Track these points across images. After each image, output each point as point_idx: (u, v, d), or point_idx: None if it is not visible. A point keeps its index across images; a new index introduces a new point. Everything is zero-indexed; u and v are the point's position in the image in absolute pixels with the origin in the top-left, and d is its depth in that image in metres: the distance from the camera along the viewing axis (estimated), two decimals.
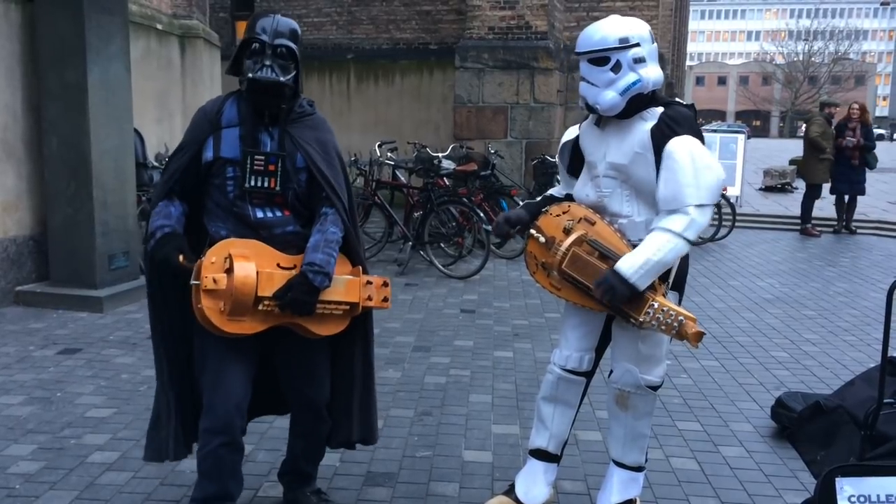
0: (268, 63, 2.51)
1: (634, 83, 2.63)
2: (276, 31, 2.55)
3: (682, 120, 2.67)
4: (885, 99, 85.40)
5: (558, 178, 3.19)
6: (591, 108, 2.75)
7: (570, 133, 2.99)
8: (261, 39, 2.53)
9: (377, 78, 12.68)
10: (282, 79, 2.51)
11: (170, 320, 2.67)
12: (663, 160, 2.59)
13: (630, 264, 2.55)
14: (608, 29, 2.66)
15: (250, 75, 2.51)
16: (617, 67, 2.63)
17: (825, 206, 12.02)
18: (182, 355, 2.69)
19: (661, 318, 2.53)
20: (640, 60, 2.65)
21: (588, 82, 2.69)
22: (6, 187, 5.95)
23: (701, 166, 2.57)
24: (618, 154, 2.72)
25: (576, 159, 2.95)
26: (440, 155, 8.39)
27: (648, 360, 2.79)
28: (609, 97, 2.64)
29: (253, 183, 2.54)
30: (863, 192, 10.98)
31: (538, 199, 3.08)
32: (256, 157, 2.54)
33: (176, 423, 2.68)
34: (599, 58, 2.66)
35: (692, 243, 2.62)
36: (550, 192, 3.12)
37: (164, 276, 2.59)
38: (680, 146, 2.58)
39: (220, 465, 2.53)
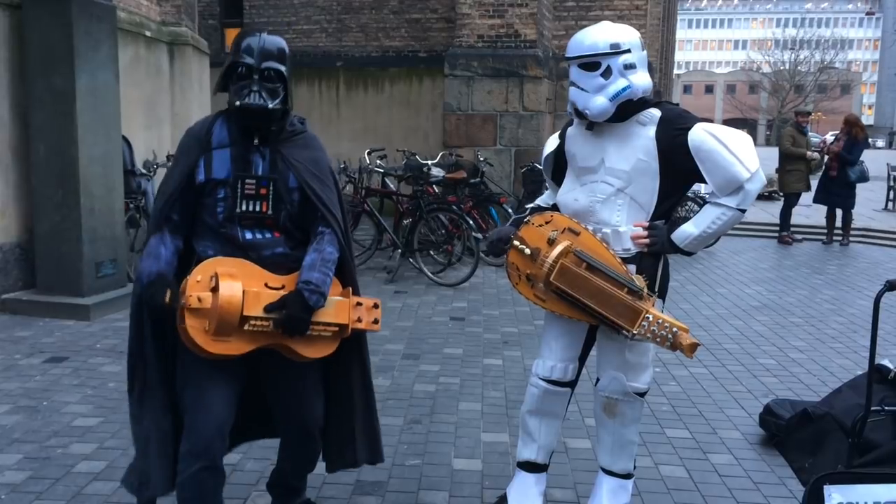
0: (255, 89, 2.43)
1: (624, 89, 2.63)
2: (263, 52, 2.45)
3: (681, 113, 2.73)
4: (870, 108, 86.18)
5: (546, 185, 3.20)
6: (579, 114, 2.74)
7: (552, 143, 2.99)
8: (247, 63, 2.45)
9: (366, 85, 12.69)
10: (269, 105, 2.45)
11: (153, 351, 2.55)
12: (694, 156, 2.61)
13: (685, 236, 2.67)
14: (599, 34, 2.66)
15: (238, 103, 2.44)
16: (607, 73, 2.63)
17: (812, 213, 12.10)
18: (162, 388, 2.56)
19: (656, 331, 2.51)
20: (630, 67, 2.65)
21: (578, 87, 2.68)
22: None
23: (729, 141, 2.61)
24: (618, 159, 2.70)
25: (557, 168, 2.96)
26: (429, 162, 8.40)
27: (636, 367, 2.78)
28: (599, 102, 2.64)
29: (244, 207, 2.47)
30: (846, 206, 10.55)
31: (527, 212, 3.04)
32: (247, 181, 2.47)
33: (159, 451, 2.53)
34: (590, 63, 2.65)
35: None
36: (537, 202, 3.11)
37: (153, 315, 2.49)
38: (699, 134, 2.62)
39: (201, 493, 2.43)
